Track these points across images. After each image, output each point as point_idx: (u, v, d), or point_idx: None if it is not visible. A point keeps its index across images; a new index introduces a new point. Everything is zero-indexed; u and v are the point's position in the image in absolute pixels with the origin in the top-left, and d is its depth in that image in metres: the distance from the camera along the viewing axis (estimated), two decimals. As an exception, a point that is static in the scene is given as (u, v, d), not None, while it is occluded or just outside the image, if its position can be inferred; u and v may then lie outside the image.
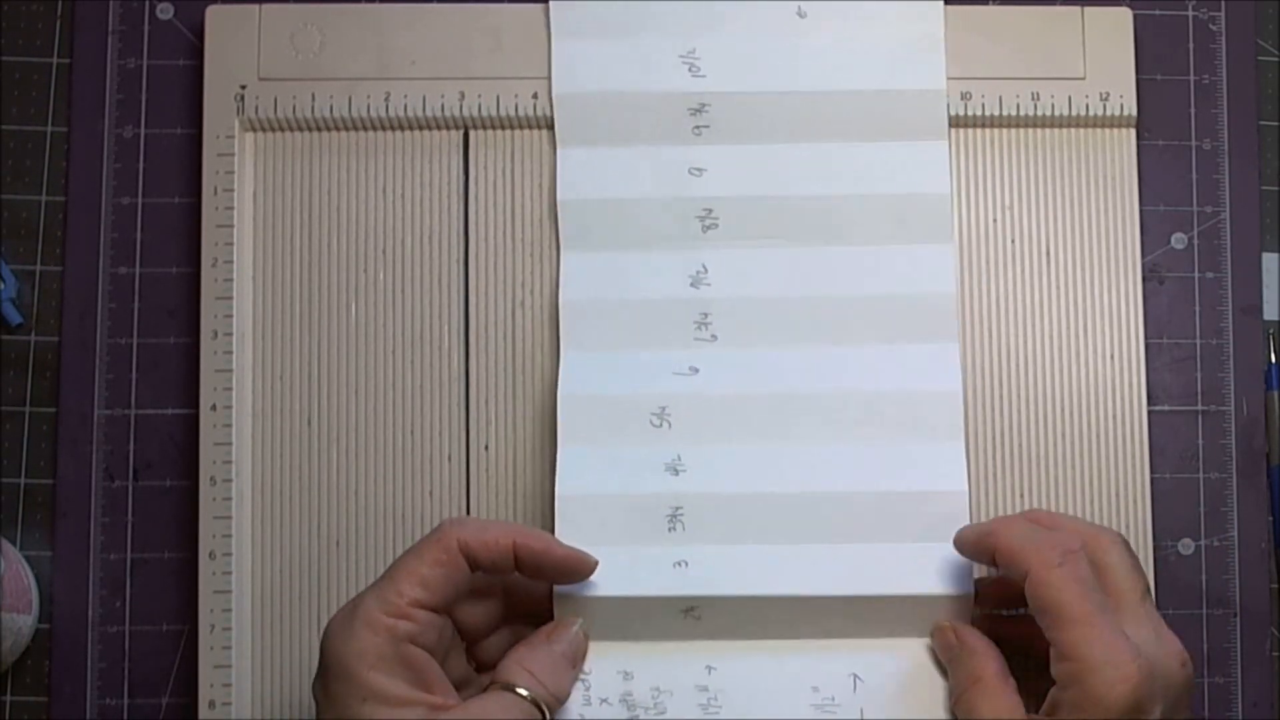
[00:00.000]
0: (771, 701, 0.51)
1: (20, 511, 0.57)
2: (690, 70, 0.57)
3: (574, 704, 0.50)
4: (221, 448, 0.55)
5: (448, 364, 0.57)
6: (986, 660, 0.49)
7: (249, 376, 0.57)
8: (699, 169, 0.57)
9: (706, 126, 0.57)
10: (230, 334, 0.56)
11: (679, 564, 0.52)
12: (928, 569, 0.51)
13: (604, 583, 0.51)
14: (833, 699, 0.51)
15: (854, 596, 0.51)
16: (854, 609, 0.51)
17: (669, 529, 0.52)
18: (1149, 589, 0.49)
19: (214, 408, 0.56)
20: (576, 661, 0.50)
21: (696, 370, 0.55)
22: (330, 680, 0.45)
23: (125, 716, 0.56)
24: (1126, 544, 0.49)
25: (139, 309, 0.58)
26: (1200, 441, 0.58)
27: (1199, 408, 0.59)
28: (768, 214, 0.56)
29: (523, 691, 0.47)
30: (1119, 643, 0.45)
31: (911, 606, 0.51)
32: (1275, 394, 0.59)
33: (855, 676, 0.51)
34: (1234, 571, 0.58)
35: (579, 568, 0.50)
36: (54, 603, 0.56)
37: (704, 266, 0.56)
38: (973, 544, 0.50)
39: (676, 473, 0.53)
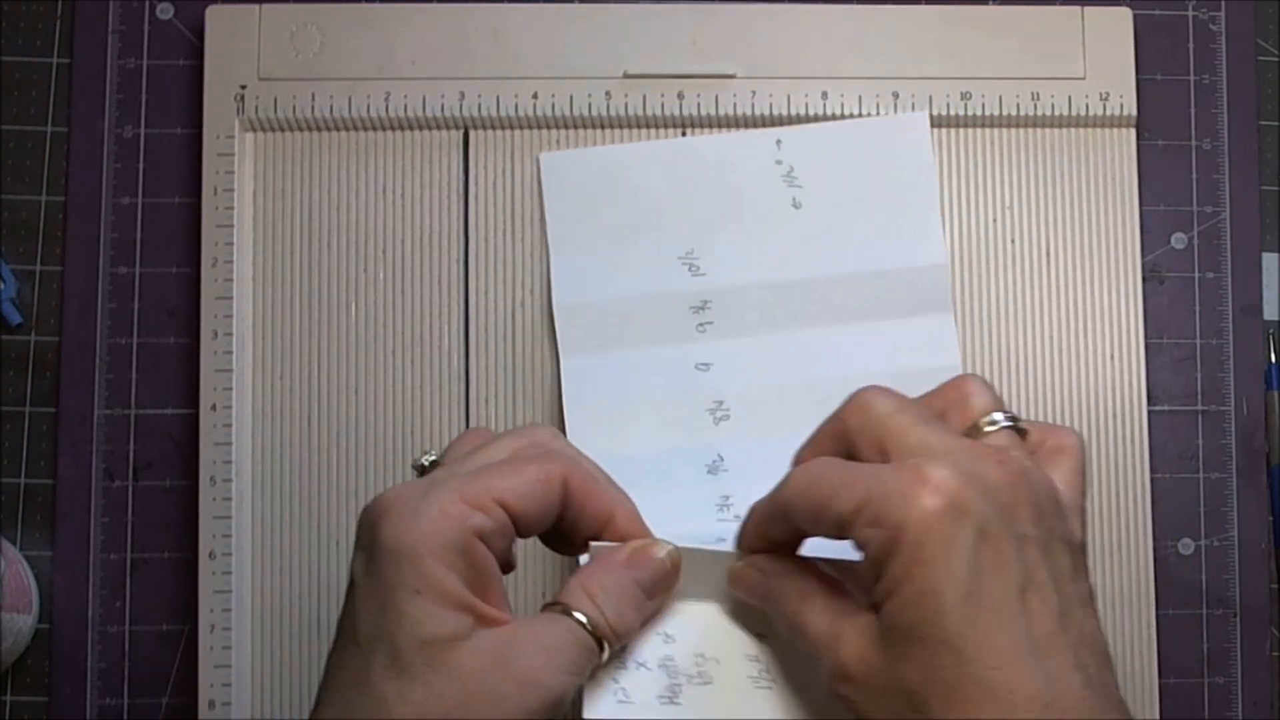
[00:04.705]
0: None
1: (20, 511, 0.57)
2: (690, 270, 0.57)
3: (608, 666, 0.44)
4: (221, 448, 0.55)
5: (448, 364, 0.57)
6: (808, 571, 0.42)
7: (249, 376, 0.57)
8: (705, 364, 0.57)
9: (710, 323, 0.57)
10: (230, 334, 0.56)
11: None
12: None
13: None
14: None
15: None
16: None
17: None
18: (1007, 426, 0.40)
19: (214, 408, 0.56)
20: (655, 594, 0.43)
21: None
22: (380, 564, 0.38)
23: (125, 716, 0.56)
24: (986, 386, 0.41)
25: (139, 309, 0.58)
26: (1200, 441, 0.58)
27: (1199, 408, 0.59)
28: (779, 402, 0.56)
29: (580, 618, 0.40)
30: (881, 468, 0.38)
31: None
32: (1275, 394, 0.59)
33: None
34: (1234, 571, 0.58)
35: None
36: (54, 603, 0.56)
37: (720, 456, 0.56)
38: (763, 527, 0.43)
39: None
